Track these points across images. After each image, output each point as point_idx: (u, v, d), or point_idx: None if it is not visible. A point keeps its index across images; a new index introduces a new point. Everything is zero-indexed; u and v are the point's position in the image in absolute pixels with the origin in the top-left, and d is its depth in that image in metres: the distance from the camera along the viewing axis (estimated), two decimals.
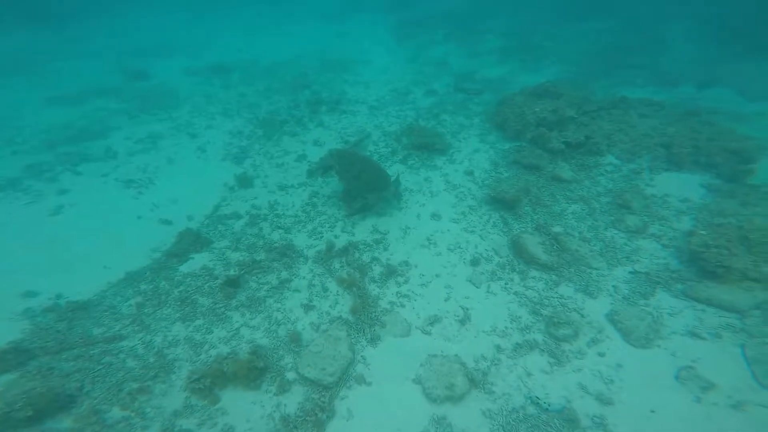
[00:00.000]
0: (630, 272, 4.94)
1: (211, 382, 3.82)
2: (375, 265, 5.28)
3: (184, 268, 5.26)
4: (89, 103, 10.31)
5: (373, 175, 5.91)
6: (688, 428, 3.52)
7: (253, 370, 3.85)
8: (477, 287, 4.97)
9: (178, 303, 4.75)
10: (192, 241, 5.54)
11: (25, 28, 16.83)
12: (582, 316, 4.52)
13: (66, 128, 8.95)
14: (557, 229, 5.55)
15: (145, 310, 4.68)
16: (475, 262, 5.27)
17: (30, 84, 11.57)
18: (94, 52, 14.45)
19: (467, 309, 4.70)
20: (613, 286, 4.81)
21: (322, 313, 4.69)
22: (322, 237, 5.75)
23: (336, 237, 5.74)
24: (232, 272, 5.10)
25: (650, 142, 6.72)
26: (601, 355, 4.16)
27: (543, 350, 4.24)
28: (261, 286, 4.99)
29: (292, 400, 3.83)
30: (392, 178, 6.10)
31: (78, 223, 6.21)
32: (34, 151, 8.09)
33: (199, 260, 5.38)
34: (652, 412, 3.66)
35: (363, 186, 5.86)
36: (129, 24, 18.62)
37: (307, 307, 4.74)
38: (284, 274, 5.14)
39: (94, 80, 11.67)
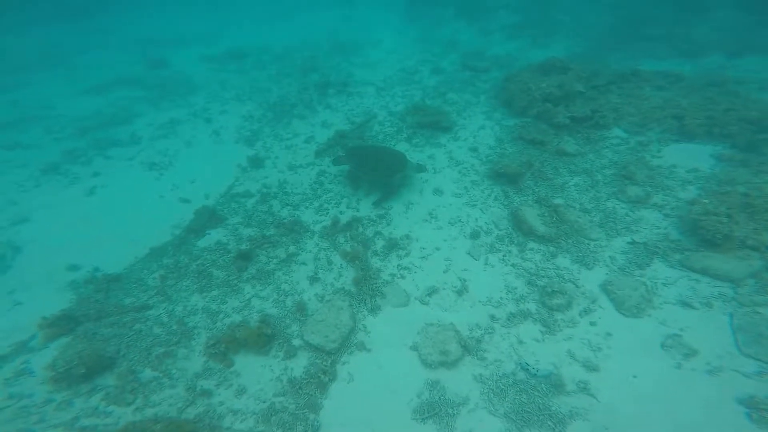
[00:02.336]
0: (628, 242, 4.73)
1: (225, 347, 4.01)
2: (378, 239, 5.28)
3: (201, 243, 5.44)
4: (115, 92, 10.52)
5: (389, 160, 5.80)
6: (662, 392, 3.49)
7: (262, 337, 4.00)
8: (476, 259, 4.91)
9: (196, 275, 4.94)
10: (208, 218, 5.70)
11: (52, 24, 17.17)
12: (577, 286, 4.41)
13: (96, 116, 9.20)
14: (558, 201, 5.34)
15: (168, 282, 4.90)
16: (474, 235, 5.19)
17: (62, 77, 11.88)
18: (117, 44, 14.61)
19: (465, 280, 4.66)
20: (609, 256, 4.64)
21: (326, 284, 4.77)
22: (328, 213, 5.78)
23: (341, 213, 5.75)
24: (243, 247, 5.24)
25: (661, 114, 6.23)
26: (593, 324, 4.08)
27: (536, 319, 4.19)
28: (270, 259, 5.11)
29: (298, 364, 3.98)
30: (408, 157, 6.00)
31: (109, 203, 6.51)
32: (70, 138, 8.40)
33: (214, 236, 5.54)
34: (634, 377, 3.63)
35: (383, 173, 5.73)
36: (150, 15, 18.63)
37: (313, 279, 4.84)
38: (292, 249, 5.23)
39: (119, 70, 11.84)
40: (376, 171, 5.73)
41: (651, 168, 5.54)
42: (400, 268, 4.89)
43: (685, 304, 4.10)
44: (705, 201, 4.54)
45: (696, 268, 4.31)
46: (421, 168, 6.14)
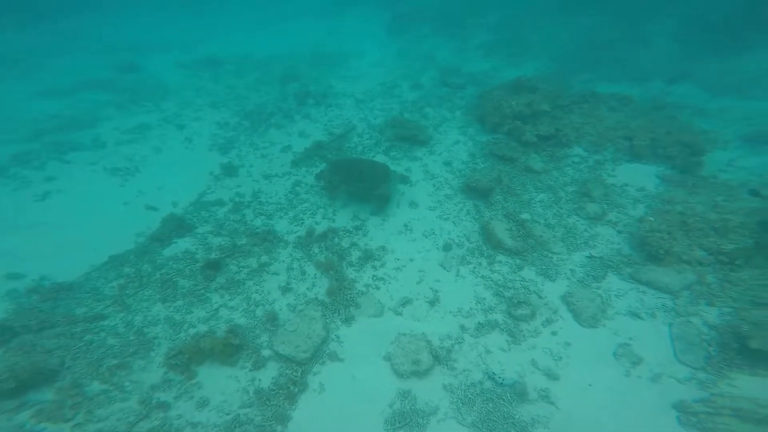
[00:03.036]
0: (587, 256, 5.07)
1: (188, 358, 3.88)
2: (353, 250, 5.33)
3: (167, 252, 5.25)
4: (79, 95, 10.05)
5: (374, 171, 5.90)
6: (614, 398, 3.72)
7: (229, 347, 3.90)
8: (447, 271, 5.06)
9: (159, 285, 4.76)
10: (175, 226, 5.53)
11: (15, 26, 16.17)
12: (540, 297, 4.64)
13: (54, 119, 8.74)
14: (525, 216, 5.64)
15: (127, 291, 4.69)
16: (447, 247, 5.35)
17: (19, 79, 11.14)
18: (86, 48, 13.97)
19: (437, 291, 4.79)
20: (570, 269, 4.94)
21: (299, 294, 4.74)
22: (303, 223, 5.77)
23: (317, 223, 5.76)
24: (213, 256, 5.11)
25: (615, 134, 6.82)
26: (554, 333, 4.30)
27: (503, 329, 4.36)
28: (241, 269, 5.02)
29: (267, 375, 3.91)
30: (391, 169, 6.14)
31: (65, 209, 6.15)
32: (21, 141, 7.90)
33: (181, 245, 5.38)
34: (590, 385, 3.84)
35: (370, 183, 5.81)
36: (124, 21, 17.97)
37: (285, 289, 4.79)
38: (264, 258, 5.17)
39: (86, 74, 11.32)
40: (363, 180, 5.79)
41: (606, 186, 6.00)
42: (375, 278, 4.95)
43: (634, 315, 4.41)
44: (651, 219, 4.98)
45: (643, 281, 4.68)
46: (404, 179, 6.30)
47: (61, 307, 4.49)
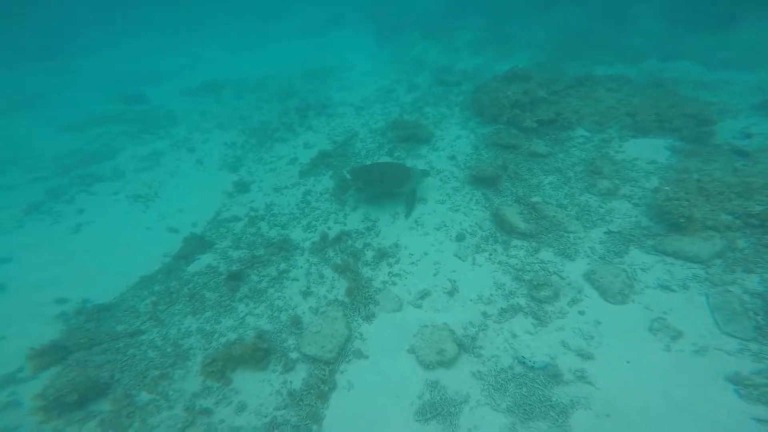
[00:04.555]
0: (605, 232, 5.01)
1: (222, 365, 4.00)
2: (367, 250, 5.40)
3: (191, 268, 5.44)
4: (95, 128, 10.57)
5: (395, 171, 5.96)
6: (657, 375, 3.59)
7: (258, 351, 4.00)
8: (463, 260, 5.07)
9: (188, 299, 4.94)
10: (197, 245, 5.73)
11: (28, 66, 17.23)
12: (561, 278, 4.60)
13: (77, 153, 9.22)
14: (535, 198, 5.62)
15: (160, 307, 4.89)
16: (460, 238, 5.37)
17: (40, 116, 11.86)
18: (93, 83, 14.71)
19: (454, 281, 4.80)
20: (589, 247, 4.87)
21: (319, 297, 4.83)
22: (316, 230, 5.89)
23: (329, 228, 5.87)
24: (234, 268, 5.27)
25: (617, 112, 6.76)
26: (581, 313, 4.22)
27: (527, 313, 4.32)
28: (262, 278, 5.15)
29: (297, 377, 3.98)
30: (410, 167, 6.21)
31: (96, 238, 6.48)
32: (52, 177, 8.37)
33: (204, 260, 5.56)
34: (628, 362, 3.73)
35: (393, 184, 5.88)
36: (123, 54, 18.87)
37: (306, 293, 4.89)
38: (283, 266, 5.29)
39: (97, 108, 11.91)
40: (384, 182, 5.86)
41: (616, 162, 5.93)
42: (391, 275, 5.00)
43: (665, 288, 4.28)
44: (666, 188, 4.89)
45: (668, 252, 4.56)
46: (425, 173, 6.37)
47: (104, 326, 4.76)
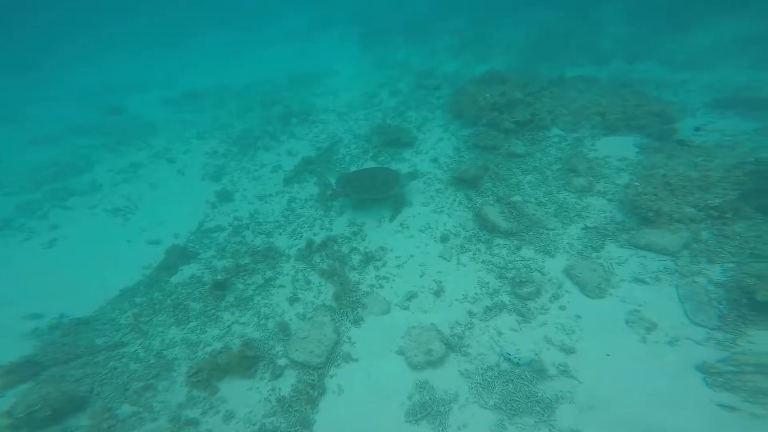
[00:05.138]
0: (582, 228, 5.19)
1: (208, 374, 3.94)
2: (354, 254, 5.43)
3: (175, 279, 5.35)
4: (70, 141, 10.26)
5: (385, 175, 6.00)
6: (635, 366, 3.72)
7: (245, 359, 3.97)
8: (448, 261, 5.16)
9: (172, 309, 4.86)
10: (179, 255, 5.63)
11: (3, 79, 16.58)
12: (543, 274, 4.73)
13: (50, 166, 8.90)
14: (516, 198, 5.77)
15: (142, 319, 4.79)
16: (444, 239, 5.46)
17: (10, 129, 11.40)
18: (70, 95, 14.29)
19: (440, 282, 4.87)
20: (568, 243, 5.04)
21: (306, 303, 4.82)
22: (301, 236, 5.88)
23: (315, 234, 5.88)
24: (219, 277, 5.20)
25: (588, 112, 7.05)
26: (562, 308, 4.36)
27: (511, 310, 4.43)
28: (248, 286, 5.10)
29: (286, 383, 3.96)
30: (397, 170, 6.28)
31: (72, 253, 6.29)
32: (23, 191, 8.07)
33: (187, 271, 5.48)
34: (608, 355, 3.85)
35: (382, 188, 5.90)
36: (102, 66, 18.36)
37: (293, 300, 4.87)
38: (269, 274, 5.26)
39: (73, 120, 11.56)
40: (375, 188, 5.88)
41: (590, 160, 6.17)
42: (378, 278, 5.04)
43: (639, 281, 4.45)
44: (636, 184, 5.12)
45: (641, 245, 4.75)
46: (412, 175, 6.44)
47: (83, 339, 4.62)
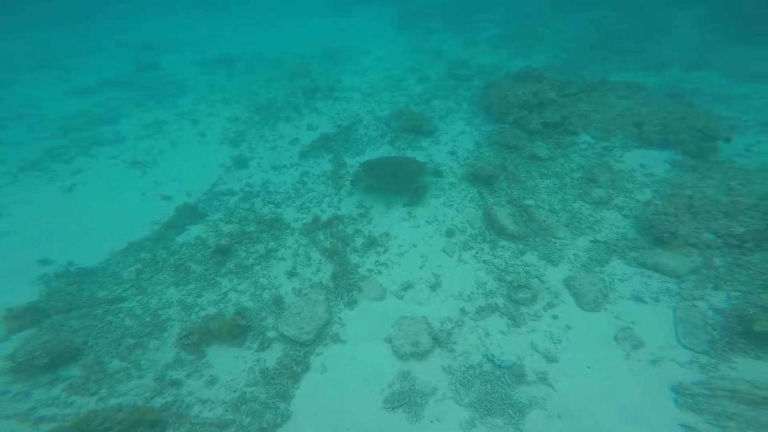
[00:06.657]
0: (591, 241, 4.92)
1: (198, 338, 3.99)
2: (357, 237, 5.34)
3: (180, 239, 5.42)
4: (103, 93, 10.43)
5: (408, 166, 5.84)
6: (612, 381, 3.65)
7: (236, 328, 4.00)
8: (450, 256, 5.02)
9: (173, 269, 4.92)
10: (188, 214, 5.68)
11: (46, 28, 16.98)
12: (542, 281, 4.55)
13: (81, 116, 9.10)
14: (529, 201, 5.51)
15: (144, 276, 4.87)
16: (450, 233, 5.30)
17: (52, 78, 11.71)
18: (110, 48, 14.51)
19: (438, 276, 4.75)
20: (573, 254, 4.80)
21: (304, 279, 4.80)
22: (309, 211, 5.82)
23: (322, 211, 5.81)
24: (223, 242, 5.23)
25: (623, 121, 6.55)
26: (555, 317, 4.21)
27: (503, 313, 4.30)
28: (249, 254, 5.12)
29: (272, 356, 3.99)
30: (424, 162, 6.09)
31: (89, 199, 6.45)
32: (53, 137, 8.29)
33: (194, 231, 5.53)
34: (588, 368, 3.77)
35: (406, 178, 5.76)
36: (143, 23, 18.51)
37: (291, 274, 4.86)
38: (271, 244, 5.25)
39: (109, 73, 11.74)
40: (398, 177, 5.73)
41: (614, 172, 5.78)
42: (377, 263, 4.96)
43: (638, 299, 4.28)
44: (657, 202, 4.77)
45: (648, 265, 4.51)
46: (438, 173, 6.17)
47: (85, 290, 4.72)
